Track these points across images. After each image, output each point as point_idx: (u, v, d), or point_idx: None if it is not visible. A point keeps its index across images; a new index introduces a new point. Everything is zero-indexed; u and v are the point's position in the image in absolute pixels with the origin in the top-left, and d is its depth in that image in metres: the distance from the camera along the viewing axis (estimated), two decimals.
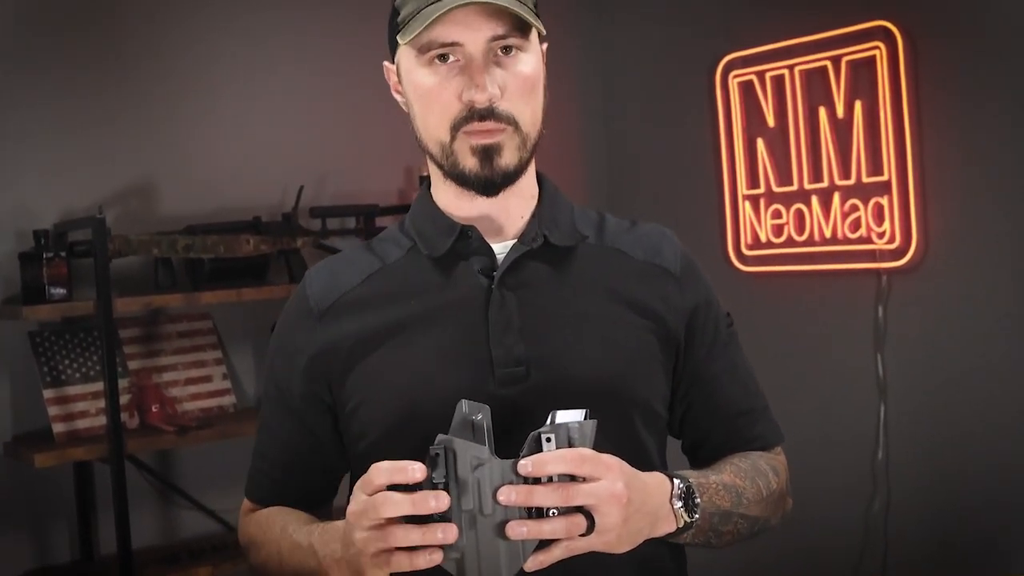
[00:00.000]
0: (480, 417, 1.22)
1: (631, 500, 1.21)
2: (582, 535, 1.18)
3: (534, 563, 1.19)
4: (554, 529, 1.17)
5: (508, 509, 1.18)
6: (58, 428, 2.83)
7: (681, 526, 1.30)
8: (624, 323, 1.45)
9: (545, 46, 1.47)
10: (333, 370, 1.45)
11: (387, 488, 1.18)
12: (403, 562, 1.17)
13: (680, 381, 1.50)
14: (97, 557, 2.98)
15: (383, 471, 1.18)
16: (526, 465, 1.17)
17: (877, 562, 3.20)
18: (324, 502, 1.56)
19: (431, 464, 1.17)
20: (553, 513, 1.18)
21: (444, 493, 1.16)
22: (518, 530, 1.16)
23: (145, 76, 3.13)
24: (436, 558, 1.16)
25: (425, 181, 1.53)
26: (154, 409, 2.94)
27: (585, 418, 1.21)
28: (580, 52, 3.92)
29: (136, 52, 3.13)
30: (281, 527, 1.46)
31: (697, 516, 1.31)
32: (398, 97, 1.48)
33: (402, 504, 1.16)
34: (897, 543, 3.16)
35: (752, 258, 3.46)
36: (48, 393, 2.85)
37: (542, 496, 1.17)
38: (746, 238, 3.46)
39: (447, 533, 1.15)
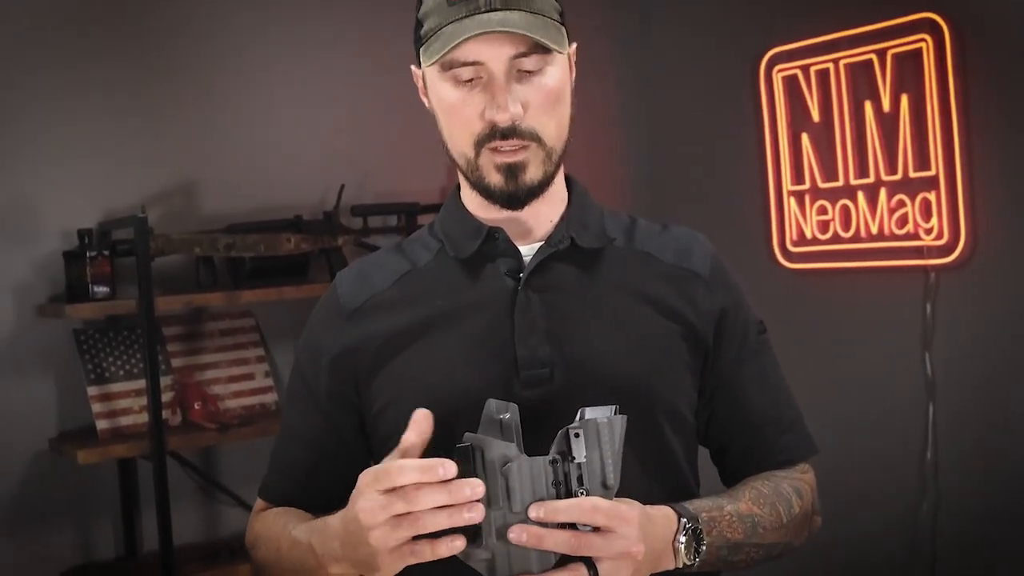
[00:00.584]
0: (508, 416, 1.22)
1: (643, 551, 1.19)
2: None
3: None
4: (556, 543, 1.15)
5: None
6: (102, 425, 2.86)
7: (680, 567, 1.28)
8: (651, 326, 1.43)
9: (575, 46, 1.45)
10: (360, 370, 1.45)
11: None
12: (425, 551, 1.15)
13: (706, 385, 1.48)
14: (141, 554, 3.00)
15: (409, 470, 1.15)
16: (537, 511, 1.15)
17: (926, 565, 3.14)
18: (339, 508, 1.54)
19: (459, 462, 1.16)
20: (584, 528, 1.16)
21: (479, 480, 1.14)
22: (518, 535, 1.15)
23: (188, 76, 3.16)
24: (459, 545, 1.14)
25: (455, 183, 1.53)
26: (196, 406, 2.96)
27: (614, 414, 1.20)
28: (621, 48, 3.90)
29: (179, 52, 3.15)
30: (283, 524, 1.44)
31: (699, 559, 1.29)
32: (426, 101, 1.47)
33: (438, 494, 1.13)
34: (947, 545, 3.11)
35: (797, 255, 3.42)
36: (92, 390, 2.88)
37: (552, 541, 1.15)
38: (791, 235, 3.42)
39: (474, 512, 1.13)
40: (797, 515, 1.44)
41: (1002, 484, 2.98)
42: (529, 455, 1.19)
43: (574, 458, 1.17)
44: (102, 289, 2.81)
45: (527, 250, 1.45)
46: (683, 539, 1.27)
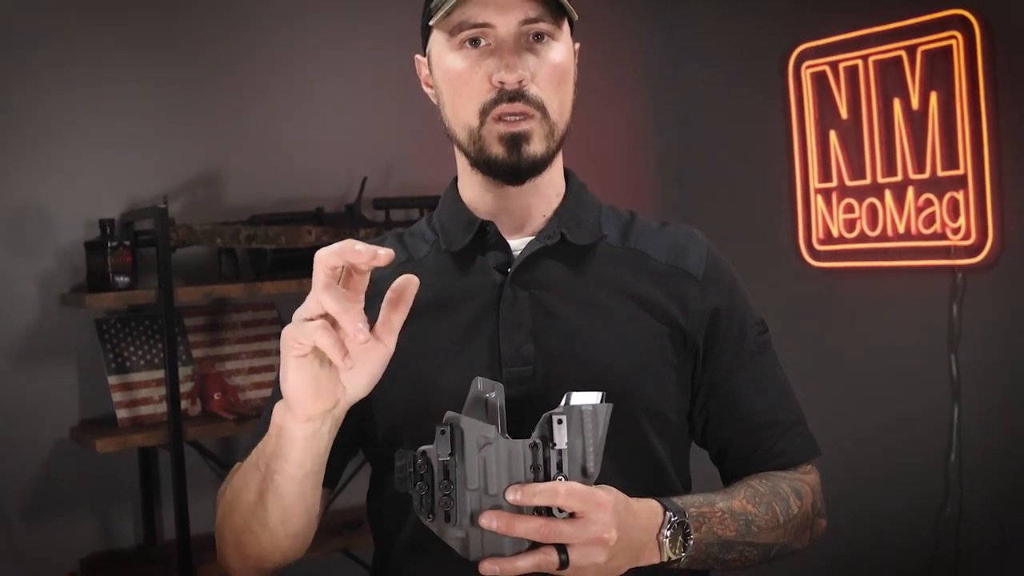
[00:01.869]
0: (493, 395, 1.21)
1: (619, 539, 1.18)
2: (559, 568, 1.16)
3: (490, 567, 1.16)
4: (527, 531, 1.15)
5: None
6: (122, 414, 2.86)
7: (664, 560, 1.26)
8: (638, 326, 1.42)
9: (578, 46, 1.45)
10: None
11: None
12: (327, 346, 1.10)
13: (699, 388, 1.46)
14: (161, 542, 3.02)
15: (330, 251, 1.11)
16: (513, 493, 1.15)
17: (949, 568, 3.11)
18: (327, 482, 1.43)
19: (438, 441, 1.16)
20: (559, 513, 1.16)
21: (387, 249, 1.11)
22: (488, 521, 1.15)
23: (212, 67, 3.16)
24: (361, 338, 1.10)
25: (453, 177, 1.52)
26: (216, 397, 2.96)
27: (601, 401, 1.20)
28: (650, 43, 3.88)
29: (203, 43, 3.16)
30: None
31: (685, 554, 1.27)
32: (428, 91, 1.48)
33: (329, 258, 1.10)
34: (969, 549, 3.08)
35: (824, 253, 3.39)
36: (113, 380, 2.89)
37: (523, 527, 1.14)
38: (818, 233, 3.40)
39: (358, 332, 1.09)
40: (796, 516, 1.43)
41: None
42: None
43: (555, 444, 1.17)
44: (123, 279, 2.82)
45: (518, 244, 1.44)
46: (668, 532, 1.25)
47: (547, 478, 1.17)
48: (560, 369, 1.37)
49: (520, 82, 1.34)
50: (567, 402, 1.20)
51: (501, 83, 1.34)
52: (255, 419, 2.90)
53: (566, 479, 1.16)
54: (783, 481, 1.45)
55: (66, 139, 2.96)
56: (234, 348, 3.08)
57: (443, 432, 1.16)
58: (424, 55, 1.47)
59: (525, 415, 1.22)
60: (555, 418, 1.17)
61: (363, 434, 1.46)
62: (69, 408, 2.96)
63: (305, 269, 2.98)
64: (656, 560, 1.26)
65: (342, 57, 3.34)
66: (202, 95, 3.14)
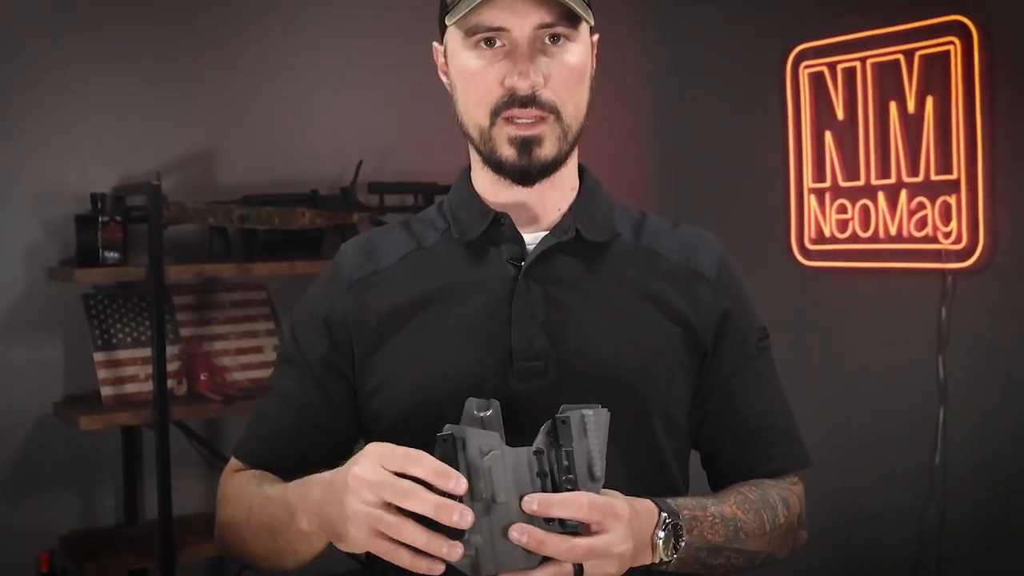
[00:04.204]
0: (490, 413, 1.19)
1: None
2: None
3: None
4: (557, 550, 1.13)
5: (523, 497, 1.13)
6: (107, 391, 2.84)
7: (656, 561, 1.26)
8: (650, 324, 1.41)
9: (596, 38, 1.44)
10: (357, 345, 1.44)
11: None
12: (403, 559, 1.13)
13: (700, 387, 1.46)
14: (142, 521, 3.00)
15: (424, 466, 1.12)
16: (531, 503, 1.13)
17: (930, 568, 3.12)
18: None
19: (440, 451, 1.13)
20: (571, 523, 1.14)
21: (469, 510, 1.10)
22: (519, 535, 1.12)
23: (210, 45, 3.15)
24: (438, 568, 1.12)
25: (466, 165, 1.51)
26: (203, 377, 2.94)
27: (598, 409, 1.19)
28: (650, 41, 3.87)
29: (202, 21, 3.14)
30: (257, 484, 1.41)
31: (676, 556, 1.27)
32: (444, 79, 1.46)
33: (426, 506, 1.11)
34: (951, 550, 3.09)
35: (815, 252, 3.40)
36: (98, 356, 2.86)
37: (555, 547, 1.13)
38: (810, 232, 3.40)
39: (452, 550, 1.10)
40: (782, 525, 1.42)
41: (1009, 491, 2.96)
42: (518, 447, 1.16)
43: (562, 446, 1.15)
44: (113, 255, 2.79)
45: (532, 238, 1.43)
46: (662, 534, 1.25)
47: (554, 483, 1.15)
48: (572, 365, 1.36)
49: (532, 88, 1.33)
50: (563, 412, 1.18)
51: (513, 88, 1.33)
52: (242, 401, 2.89)
53: (574, 483, 1.14)
54: (772, 489, 1.45)
55: (60, 111, 2.93)
56: (223, 328, 3.06)
57: (445, 441, 1.13)
58: (441, 44, 1.44)
59: (535, 411, 1.21)
60: (559, 420, 1.16)
61: (367, 424, 1.45)
62: (53, 383, 2.93)
63: (297, 251, 3.00)
64: (648, 561, 1.25)
65: (340, 39, 3.32)
66: (200, 73, 3.12)
